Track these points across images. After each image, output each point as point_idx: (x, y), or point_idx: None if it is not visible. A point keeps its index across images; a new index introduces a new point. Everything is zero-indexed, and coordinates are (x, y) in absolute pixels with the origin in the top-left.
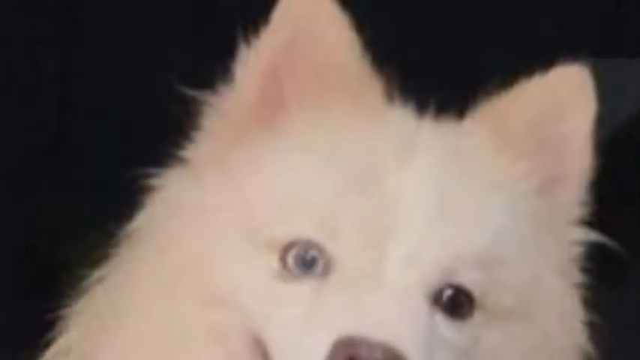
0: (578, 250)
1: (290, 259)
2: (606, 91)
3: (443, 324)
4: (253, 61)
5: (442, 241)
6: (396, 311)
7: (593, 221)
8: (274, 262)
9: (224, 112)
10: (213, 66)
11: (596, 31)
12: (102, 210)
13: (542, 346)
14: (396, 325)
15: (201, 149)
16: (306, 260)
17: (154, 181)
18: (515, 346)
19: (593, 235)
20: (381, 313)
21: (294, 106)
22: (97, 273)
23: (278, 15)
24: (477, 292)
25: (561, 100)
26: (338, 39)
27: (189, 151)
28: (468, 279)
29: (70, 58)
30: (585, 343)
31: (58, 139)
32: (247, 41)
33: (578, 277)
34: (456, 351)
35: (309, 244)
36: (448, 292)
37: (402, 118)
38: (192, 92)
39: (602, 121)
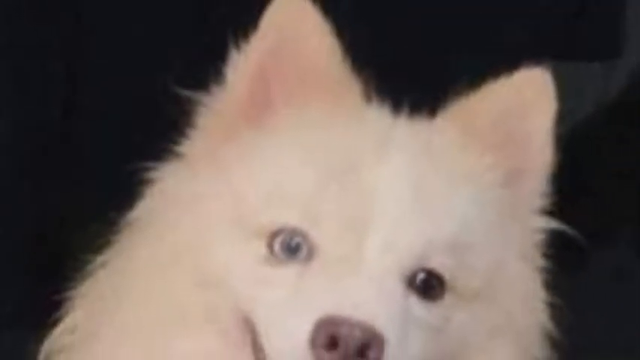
0: (540, 237)
1: (276, 246)
2: (566, 92)
3: (416, 305)
4: (243, 64)
5: (415, 229)
6: (373, 293)
7: (554, 211)
8: (262, 248)
9: (216, 111)
10: (207, 69)
11: (558, 37)
12: (104, 201)
13: (506, 324)
14: (374, 306)
15: (195, 145)
16: (291, 246)
17: (153, 174)
18: (482, 325)
19: (554, 224)
20: (359, 295)
21: (280, 106)
22: (100, 258)
23: (265, 22)
24: (447, 276)
25: (525, 100)
26: (320, 44)
27: (185, 147)
28: (440, 264)
29: (75, 62)
30: (546, 322)
31: (64, 137)
32: (238, 46)
33: (540, 261)
34: (428, 329)
35: (293, 232)
36: (421, 276)
37: (378, 117)
38: (187, 93)
39: (562, 120)
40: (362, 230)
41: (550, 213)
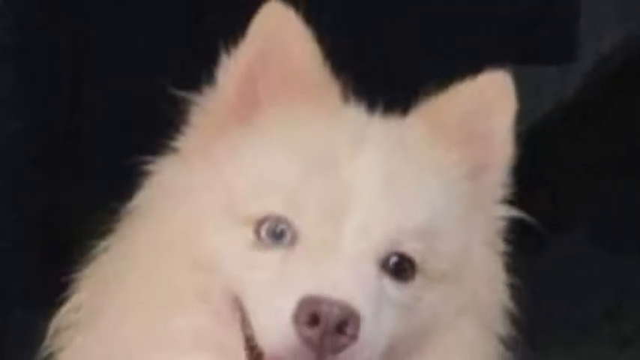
0: (501, 224)
1: (263, 232)
2: (526, 93)
3: (389, 286)
4: (233, 67)
5: (388, 217)
6: (350, 275)
7: (514, 200)
8: (250, 234)
9: (208, 110)
10: (200, 72)
11: (518, 43)
12: (107, 191)
13: (471, 303)
14: (351, 286)
15: (189, 141)
16: (276, 233)
17: (151, 167)
18: (450, 304)
19: (514, 212)
20: (338, 277)
21: (266, 105)
22: (103, 243)
23: (253, 30)
24: (417, 259)
25: (488, 100)
26: (303, 49)
27: (180, 143)
28: (411, 248)
29: (80, 66)
30: (507, 301)
31: (70, 134)
32: (228, 51)
33: (502, 246)
34: (400, 308)
35: (278, 219)
36: (394, 259)
37: (355, 115)
38: (182, 93)
39: (522, 118)
40: (340, 218)
41: (511, 202)
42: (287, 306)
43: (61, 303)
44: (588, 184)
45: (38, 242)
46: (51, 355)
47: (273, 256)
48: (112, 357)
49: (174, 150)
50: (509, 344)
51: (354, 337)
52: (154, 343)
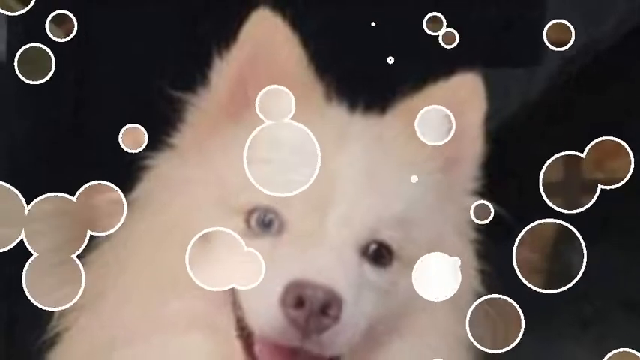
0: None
1: (252, 221)
2: (495, 94)
3: (369, 271)
4: (225, 70)
5: (369, 208)
6: (333, 261)
7: (484, 192)
8: (240, 224)
9: (202, 109)
10: (195, 74)
11: (488, 47)
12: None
13: None
14: (334, 272)
15: (185, 137)
16: (265, 222)
17: (149, 162)
18: None
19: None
20: (322, 263)
21: (255, 105)
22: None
23: (243, 35)
24: (395, 247)
25: (460, 99)
26: (289, 53)
27: (176, 139)
28: (389, 236)
29: (85, 69)
30: (478, 285)
31: (75, 131)
32: (220, 55)
33: (473, 234)
34: (379, 291)
35: (267, 210)
36: (373, 247)
37: (338, 114)
38: (178, 94)
39: (491, 117)
40: (324, 209)
41: (481, 194)
42: (275, 289)
43: None
44: None
45: None
46: (57, 334)
47: (262, 243)
48: (113, 337)
49: (171, 146)
50: None
51: (336, 318)
52: (151, 325)
